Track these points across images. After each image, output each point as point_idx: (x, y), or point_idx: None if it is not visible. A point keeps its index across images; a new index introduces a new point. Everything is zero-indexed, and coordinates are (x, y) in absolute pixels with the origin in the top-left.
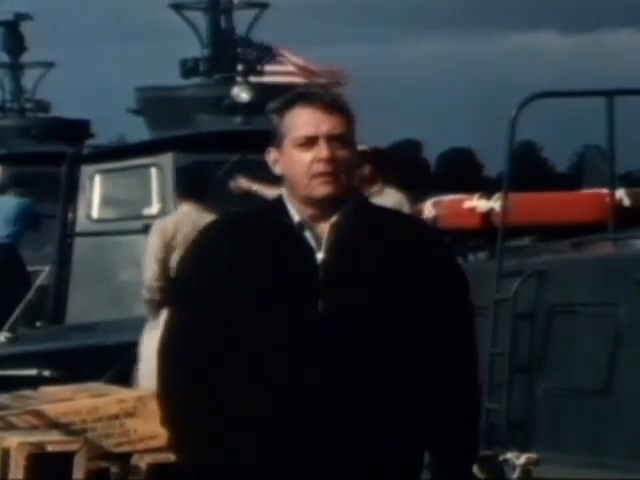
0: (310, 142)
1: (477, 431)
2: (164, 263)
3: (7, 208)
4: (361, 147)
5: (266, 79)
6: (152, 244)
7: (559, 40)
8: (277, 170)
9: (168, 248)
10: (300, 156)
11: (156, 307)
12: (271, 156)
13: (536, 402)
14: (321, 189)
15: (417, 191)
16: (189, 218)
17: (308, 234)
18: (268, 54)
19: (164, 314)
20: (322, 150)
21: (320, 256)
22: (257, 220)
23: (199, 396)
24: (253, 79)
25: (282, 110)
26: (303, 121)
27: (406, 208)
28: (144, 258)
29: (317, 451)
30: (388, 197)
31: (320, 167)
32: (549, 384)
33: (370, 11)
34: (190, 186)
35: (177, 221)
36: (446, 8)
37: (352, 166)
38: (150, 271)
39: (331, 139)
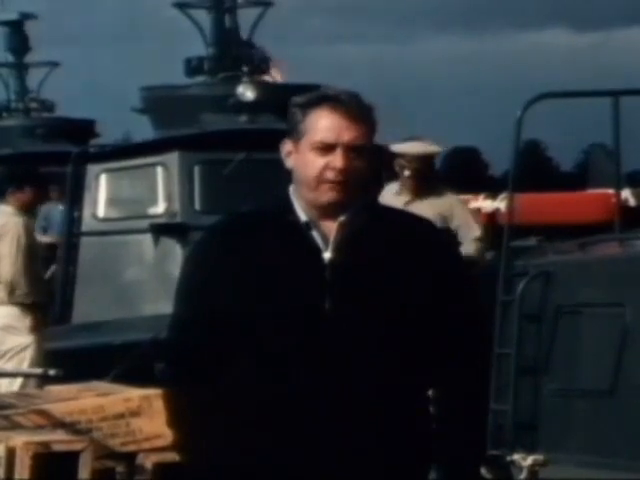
0: (327, 148)
1: (484, 431)
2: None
3: None
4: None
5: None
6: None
7: (572, 38)
8: (289, 163)
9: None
10: (314, 159)
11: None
12: (285, 147)
13: (543, 403)
14: (327, 195)
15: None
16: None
17: (315, 233)
18: (264, 64)
19: None
20: (337, 159)
21: (327, 255)
22: (264, 219)
23: (205, 396)
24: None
25: (306, 107)
26: (325, 125)
27: (458, 209)
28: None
29: (326, 450)
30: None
31: (332, 175)
32: (556, 385)
33: (377, 10)
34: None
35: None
36: (457, 7)
37: (364, 177)
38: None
39: (349, 149)
